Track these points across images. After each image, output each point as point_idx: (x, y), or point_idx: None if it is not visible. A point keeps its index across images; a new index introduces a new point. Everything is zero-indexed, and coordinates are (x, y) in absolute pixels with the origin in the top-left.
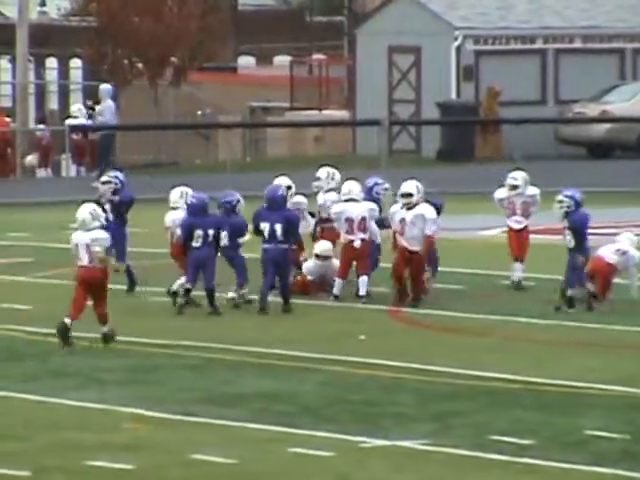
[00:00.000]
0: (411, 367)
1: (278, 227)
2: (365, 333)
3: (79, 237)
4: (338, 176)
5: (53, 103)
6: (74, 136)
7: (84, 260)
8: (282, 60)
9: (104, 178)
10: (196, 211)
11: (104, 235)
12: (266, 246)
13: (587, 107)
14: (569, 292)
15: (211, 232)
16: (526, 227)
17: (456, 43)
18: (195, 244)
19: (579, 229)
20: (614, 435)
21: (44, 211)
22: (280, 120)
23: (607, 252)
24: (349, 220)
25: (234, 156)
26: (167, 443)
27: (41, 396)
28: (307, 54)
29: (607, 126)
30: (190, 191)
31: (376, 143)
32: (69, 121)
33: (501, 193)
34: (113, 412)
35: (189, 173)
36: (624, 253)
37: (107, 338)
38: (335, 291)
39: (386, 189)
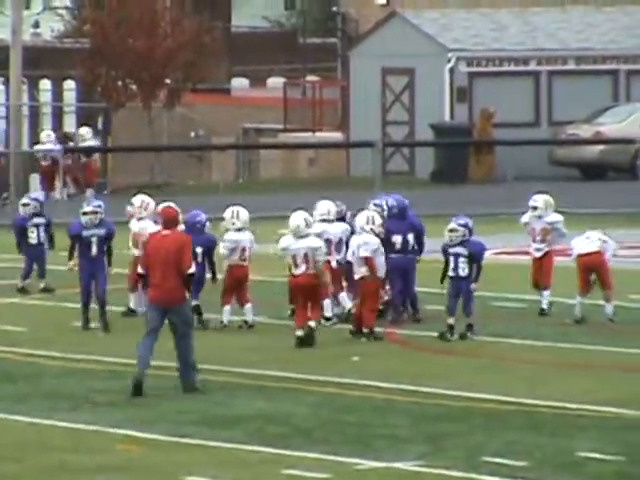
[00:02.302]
0: (404, 389)
1: (410, 237)
2: (359, 354)
3: (293, 244)
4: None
5: (47, 125)
6: (43, 162)
7: (300, 268)
8: (275, 82)
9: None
10: (192, 229)
11: (320, 243)
12: (394, 256)
13: (580, 128)
14: (450, 320)
15: (199, 250)
16: (547, 253)
17: (449, 65)
18: None
19: (478, 257)
20: (608, 457)
21: None
22: (273, 142)
23: (590, 245)
24: (327, 241)
25: (227, 177)
26: (161, 465)
27: (34, 417)
28: (300, 76)
29: (600, 147)
30: (151, 201)
31: (370, 165)
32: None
33: (526, 217)
34: (106, 434)
35: (182, 194)
36: (605, 241)
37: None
38: (326, 313)
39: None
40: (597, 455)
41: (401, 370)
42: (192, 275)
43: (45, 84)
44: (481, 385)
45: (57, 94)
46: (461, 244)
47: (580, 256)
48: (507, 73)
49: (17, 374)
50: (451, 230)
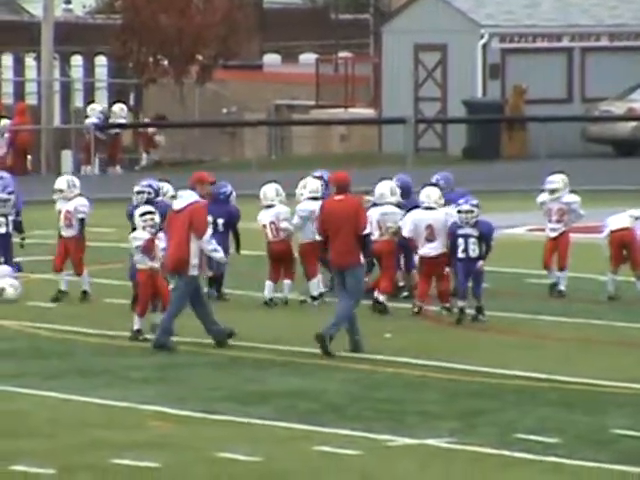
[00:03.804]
0: (437, 365)
1: None
2: (391, 331)
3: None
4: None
5: (78, 101)
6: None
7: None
8: (308, 58)
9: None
10: (216, 200)
11: (397, 209)
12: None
13: (613, 105)
14: (461, 303)
15: (221, 221)
16: (563, 234)
17: (482, 41)
18: None
19: (488, 238)
20: None
21: None
22: (306, 118)
23: (621, 221)
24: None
25: (259, 154)
26: (192, 441)
27: (67, 394)
28: (333, 52)
29: (633, 124)
30: (75, 180)
31: (402, 141)
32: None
33: (542, 197)
34: (138, 410)
35: (215, 171)
36: (637, 218)
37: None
38: (315, 292)
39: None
40: (630, 432)
41: (434, 347)
42: (368, 236)
43: (77, 60)
44: (514, 362)
45: (88, 70)
46: (471, 225)
47: (612, 232)
48: (540, 49)
49: (50, 350)
50: (466, 211)
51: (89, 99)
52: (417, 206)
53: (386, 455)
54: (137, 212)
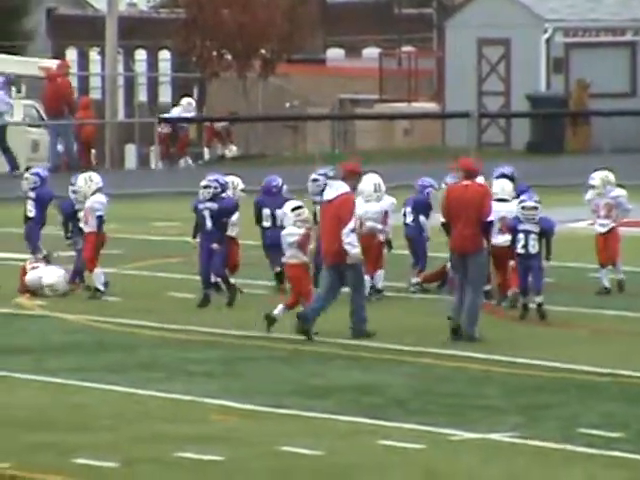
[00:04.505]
0: (500, 359)
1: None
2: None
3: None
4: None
5: (142, 95)
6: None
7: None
8: (371, 52)
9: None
10: (268, 192)
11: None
12: None
13: None
14: (524, 300)
15: (279, 212)
16: (613, 229)
17: (546, 35)
18: (265, 224)
19: (550, 234)
20: None
21: (133, 203)
22: (369, 112)
23: None
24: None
25: (323, 148)
26: (256, 435)
27: (130, 387)
28: (396, 46)
29: None
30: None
31: (465, 135)
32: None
33: (589, 194)
34: (202, 404)
35: (277, 165)
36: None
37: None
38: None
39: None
40: None
41: (497, 341)
42: (491, 223)
43: (140, 54)
44: (577, 356)
45: (152, 64)
46: (534, 221)
47: None
48: (603, 43)
49: (113, 344)
50: (530, 208)
51: (153, 93)
52: None
53: (449, 449)
54: (288, 207)
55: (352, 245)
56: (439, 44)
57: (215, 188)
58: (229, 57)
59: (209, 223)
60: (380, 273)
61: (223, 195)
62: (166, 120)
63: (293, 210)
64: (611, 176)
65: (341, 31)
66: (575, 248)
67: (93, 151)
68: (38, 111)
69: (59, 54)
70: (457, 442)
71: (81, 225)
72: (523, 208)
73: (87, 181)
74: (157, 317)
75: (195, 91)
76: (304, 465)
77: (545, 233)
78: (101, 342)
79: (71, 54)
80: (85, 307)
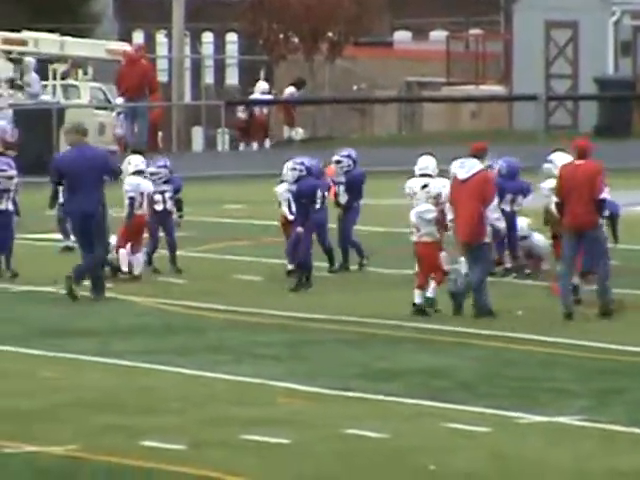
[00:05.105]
0: (569, 343)
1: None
2: (523, 309)
3: None
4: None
5: (209, 78)
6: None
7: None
8: (438, 35)
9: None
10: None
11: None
12: None
13: None
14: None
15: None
16: None
17: (614, 18)
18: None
19: (616, 218)
20: None
21: (200, 185)
22: (436, 95)
23: None
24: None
25: (389, 131)
26: (322, 418)
27: (197, 370)
28: (463, 29)
29: None
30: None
31: (533, 118)
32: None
33: None
34: (269, 387)
35: (344, 148)
36: None
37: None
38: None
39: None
40: None
41: (565, 325)
42: (604, 201)
43: (207, 37)
44: None
45: (219, 47)
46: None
47: None
48: None
49: (180, 327)
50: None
51: (219, 76)
52: (522, 188)
53: (516, 432)
54: (418, 185)
55: (499, 220)
56: (507, 27)
57: (300, 171)
58: (296, 40)
59: (292, 206)
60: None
61: (309, 178)
62: (233, 103)
63: (423, 188)
64: None
65: (408, 14)
66: None
67: (160, 134)
68: (105, 93)
69: (126, 37)
70: (524, 425)
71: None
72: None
73: (126, 163)
74: (224, 300)
75: (262, 74)
76: (370, 448)
77: (611, 217)
78: (168, 325)
79: (138, 37)
80: (153, 290)
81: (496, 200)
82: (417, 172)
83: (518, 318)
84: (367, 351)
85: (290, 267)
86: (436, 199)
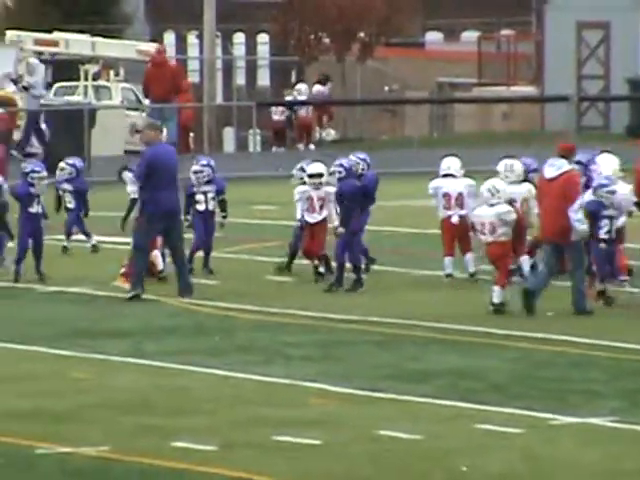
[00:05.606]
0: (601, 344)
1: None
2: (554, 310)
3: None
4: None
5: (240, 79)
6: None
7: (489, 237)
8: (470, 36)
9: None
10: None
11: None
12: None
13: None
14: (600, 286)
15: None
16: None
17: None
18: None
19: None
20: None
21: (231, 186)
22: (468, 96)
23: None
24: (446, 196)
25: (421, 132)
26: (353, 419)
27: (228, 371)
28: (495, 30)
29: None
30: None
31: (564, 119)
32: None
33: None
34: (300, 387)
35: (375, 149)
36: None
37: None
38: (448, 271)
39: (535, 170)
40: None
41: (597, 326)
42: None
43: (239, 38)
44: None
45: (250, 48)
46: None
47: None
48: None
49: (211, 327)
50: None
51: (251, 77)
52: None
53: (548, 433)
54: (484, 186)
55: (581, 222)
56: (538, 27)
57: (339, 173)
58: (327, 41)
59: (336, 208)
60: (470, 255)
61: (347, 180)
62: (265, 104)
63: (489, 190)
64: None
65: (440, 14)
66: None
67: (191, 135)
68: (136, 94)
69: (157, 38)
70: (556, 426)
71: None
72: (609, 192)
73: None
74: (255, 300)
75: (293, 75)
76: (402, 449)
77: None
78: (199, 325)
79: (169, 37)
80: None
81: (579, 200)
82: (440, 172)
83: (549, 319)
84: (397, 352)
85: (321, 269)
86: (500, 198)
